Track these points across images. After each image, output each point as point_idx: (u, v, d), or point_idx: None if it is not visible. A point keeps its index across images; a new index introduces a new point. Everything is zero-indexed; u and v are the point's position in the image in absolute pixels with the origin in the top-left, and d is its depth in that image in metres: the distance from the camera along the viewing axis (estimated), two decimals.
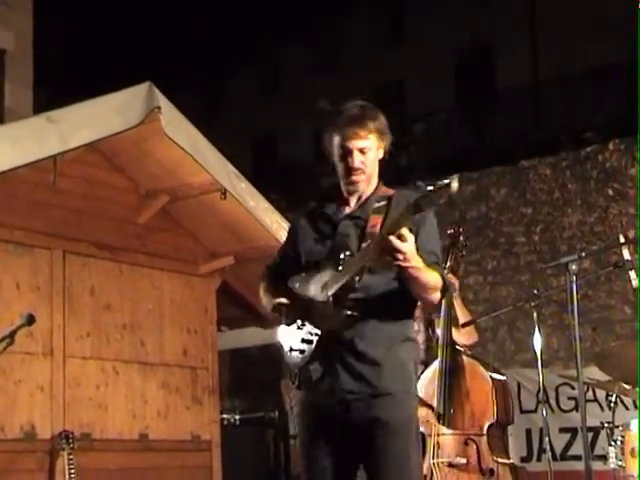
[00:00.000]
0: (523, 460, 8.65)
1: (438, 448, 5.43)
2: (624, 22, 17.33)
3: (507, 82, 20.37)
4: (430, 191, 3.12)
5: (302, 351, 3.53)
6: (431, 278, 3.40)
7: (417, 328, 5.95)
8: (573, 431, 8.37)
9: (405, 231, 3.19)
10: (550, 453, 6.04)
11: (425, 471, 5.38)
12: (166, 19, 23.51)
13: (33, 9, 11.00)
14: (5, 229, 5.96)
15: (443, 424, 5.40)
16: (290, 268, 3.70)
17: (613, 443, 5.34)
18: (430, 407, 5.46)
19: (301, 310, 3.56)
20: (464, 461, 5.37)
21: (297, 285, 3.61)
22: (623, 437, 5.29)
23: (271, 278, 3.88)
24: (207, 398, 7.10)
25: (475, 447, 5.37)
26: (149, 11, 23.13)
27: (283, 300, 3.66)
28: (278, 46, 24.99)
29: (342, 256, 3.44)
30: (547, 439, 6.25)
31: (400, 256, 3.22)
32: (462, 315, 5.77)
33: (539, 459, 8.67)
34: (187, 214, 7.01)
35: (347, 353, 3.48)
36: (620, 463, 5.29)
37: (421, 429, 5.43)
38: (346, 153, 3.51)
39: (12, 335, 4.44)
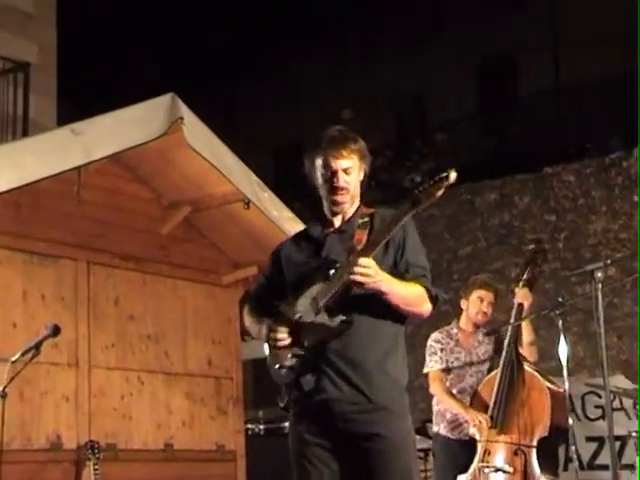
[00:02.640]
0: None
1: (488, 454, 5.44)
2: None
3: (529, 88, 20.29)
4: (428, 184, 3.22)
5: (292, 367, 3.54)
6: (410, 292, 3.44)
7: (481, 339, 5.97)
8: (600, 440, 8.28)
9: (362, 260, 3.29)
10: (577, 462, 6.00)
11: (469, 475, 5.41)
12: (187, 31, 23.64)
13: (57, 21, 11.10)
14: (30, 240, 6.00)
15: (495, 428, 5.40)
16: (276, 292, 3.72)
17: None
18: (485, 411, 5.48)
19: (291, 327, 3.54)
20: (511, 470, 5.36)
21: (284, 306, 3.61)
22: None
23: (256, 301, 3.89)
24: (232, 408, 7.10)
25: (524, 458, 5.36)
26: (170, 23, 23.27)
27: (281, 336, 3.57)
28: (300, 57, 25.06)
29: (332, 270, 3.48)
30: (574, 448, 6.19)
31: (364, 284, 3.32)
32: (527, 333, 5.79)
33: (566, 468, 8.55)
34: (210, 224, 7.02)
35: (339, 362, 3.47)
36: None
37: (472, 431, 5.48)
38: (331, 173, 3.55)
39: (38, 346, 4.48)
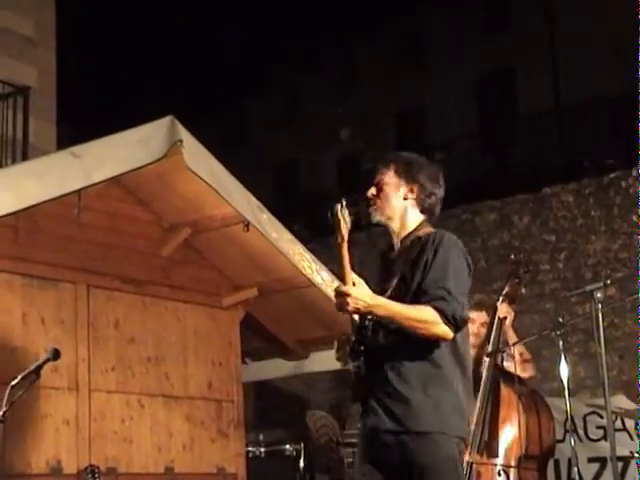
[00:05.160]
0: None
1: (472, 474, 5.40)
2: None
3: (528, 108, 20.35)
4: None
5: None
6: (413, 314, 3.42)
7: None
8: (602, 461, 8.23)
9: (338, 288, 3.45)
10: None
11: None
12: (185, 52, 23.73)
13: (57, 45, 11.14)
14: (30, 264, 6.00)
15: (476, 450, 5.36)
16: None
17: None
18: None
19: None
20: None
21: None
22: None
23: None
24: (232, 431, 7.07)
25: (505, 478, 5.32)
26: (170, 45, 23.36)
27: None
28: (297, 75, 25.13)
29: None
30: (576, 469, 6.18)
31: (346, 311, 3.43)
32: (517, 348, 5.70)
33: None
34: (210, 246, 7.02)
35: (380, 388, 3.50)
36: None
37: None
38: None
39: (37, 370, 4.45)
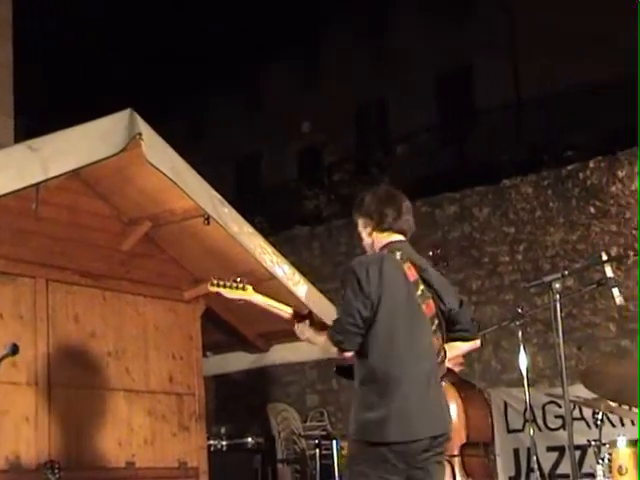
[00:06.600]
0: (511, 479, 8.64)
1: None
2: (605, 40, 17.53)
3: (487, 101, 20.48)
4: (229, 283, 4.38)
5: None
6: (322, 341, 4.14)
7: None
8: (561, 450, 8.36)
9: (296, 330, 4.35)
10: (538, 472, 6.06)
11: None
12: (146, 44, 23.56)
13: (13, 37, 10.99)
14: None
15: None
16: None
17: (601, 461, 5.33)
18: None
19: None
20: None
21: None
22: (610, 455, 5.28)
23: None
24: (194, 424, 7.07)
25: (451, 469, 5.39)
26: (130, 39, 23.18)
27: None
28: (259, 67, 25.06)
29: None
30: (535, 458, 6.28)
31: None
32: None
33: (527, 478, 8.64)
34: (170, 240, 7.00)
35: None
36: None
37: None
38: None
39: None
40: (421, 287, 4.06)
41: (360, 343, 3.96)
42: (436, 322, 4.09)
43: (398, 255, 4.06)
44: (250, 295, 4.35)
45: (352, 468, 4.00)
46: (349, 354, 4.00)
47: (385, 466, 3.86)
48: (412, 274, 4.05)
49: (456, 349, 4.28)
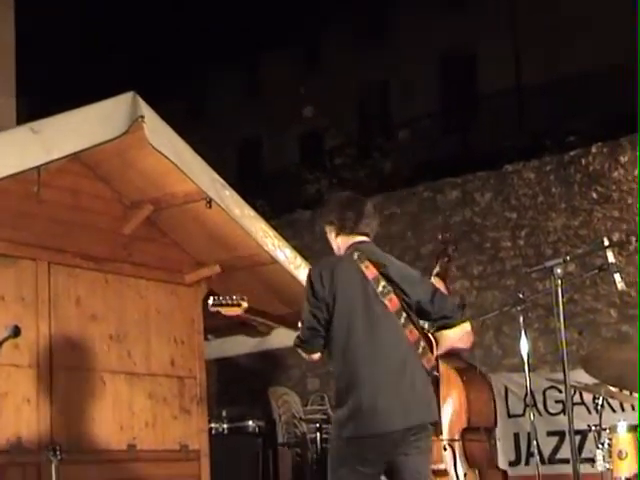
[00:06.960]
0: (511, 464, 8.66)
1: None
2: (608, 25, 17.47)
3: (490, 87, 20.44)
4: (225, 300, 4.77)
5: None
6: None
7: None
8: (561, 434, 8.39)
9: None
10: (538, 457, 6.06)
11: None
12: (148, 28, 23.49)
13: (15, 19, 10.96)
14: None
15: None
16: None
17: (601, 446, 5.35)
18: None
19: None
20: (443, 467, 5.43)
21: None
22: (610, 440, 5.29)
23: None
24: (195, 408, 7.08)
25: (451, 453, 5.42)
26: (132, 21, 23.11)
27: None
28: (261, 51, 25.00)
29: None
30: (535, 443, 6.27)
31: None
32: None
33: (527, 463, 8.68)
34: (172, 224, 6.99)
35: None
36: (608, 466, 5.29)
37: None
38: None
39: None
40: (382, 283, 4.21)
41: (322, 344, 4.25)
42: (404, 315, 4.20)
43: (356, 255, 4.29)
44: (242, 310, 4.77)
45: (330, 464, 4.20)
46: (316, 356, 4.32)
47: (357, 459, 4.06)
48: (371, 272, 4.23)
49: (447, 338, 4.33)
